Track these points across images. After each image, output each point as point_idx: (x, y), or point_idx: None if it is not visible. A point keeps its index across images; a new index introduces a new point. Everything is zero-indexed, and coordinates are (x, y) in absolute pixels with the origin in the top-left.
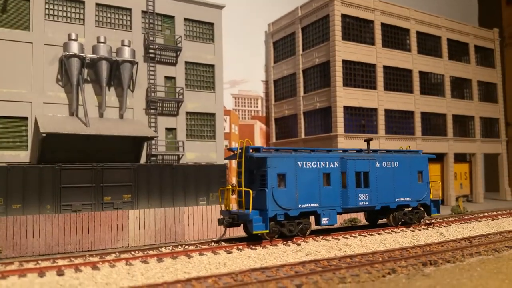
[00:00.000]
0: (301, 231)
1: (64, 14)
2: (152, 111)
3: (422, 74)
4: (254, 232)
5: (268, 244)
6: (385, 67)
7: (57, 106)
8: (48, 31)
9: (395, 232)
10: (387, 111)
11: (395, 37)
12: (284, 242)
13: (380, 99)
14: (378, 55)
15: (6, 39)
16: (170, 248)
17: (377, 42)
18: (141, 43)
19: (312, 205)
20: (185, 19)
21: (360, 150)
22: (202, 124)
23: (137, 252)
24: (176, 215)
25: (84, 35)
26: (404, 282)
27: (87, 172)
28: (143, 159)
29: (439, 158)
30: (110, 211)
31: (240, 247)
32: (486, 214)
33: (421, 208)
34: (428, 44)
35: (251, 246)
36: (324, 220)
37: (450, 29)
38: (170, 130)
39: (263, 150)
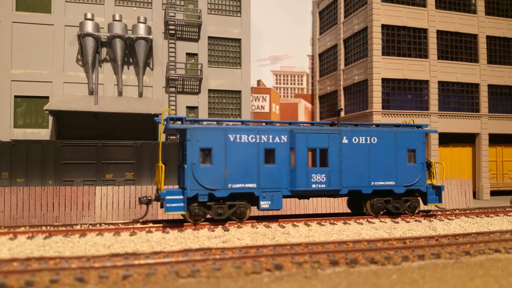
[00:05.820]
0: (236, 215)
1: None
2: (172, 89)
3: (492, 39)
4: (166, 213)
5: (191, 228)
6: (440, 32)
7: (77, 85)
8: (68, 13)
9: (370, 222)
10: (441, 84)
11: None
12: (212, 227)
13: (432, 70)
14: (431, 18)
15: (29, 23)
16: (87, 226)
17: (429, 3)
18: (161, 20)
19: (247, 185)
20: None
21: (334, 124)
22: (227, 102)
23: (48, 227)
24: (149, 194)
25: (103, 14)
26: (265, 282)
27: (89, 149)
28: (163, 138)
29: None
30: (75, 186)
31: (153, 229)
32: None
33: (417, 195)
34: (503, 3)
35: (167, 229)
36: (264, 204)
37: None
38: (192, 109)
39: (186, 120)
